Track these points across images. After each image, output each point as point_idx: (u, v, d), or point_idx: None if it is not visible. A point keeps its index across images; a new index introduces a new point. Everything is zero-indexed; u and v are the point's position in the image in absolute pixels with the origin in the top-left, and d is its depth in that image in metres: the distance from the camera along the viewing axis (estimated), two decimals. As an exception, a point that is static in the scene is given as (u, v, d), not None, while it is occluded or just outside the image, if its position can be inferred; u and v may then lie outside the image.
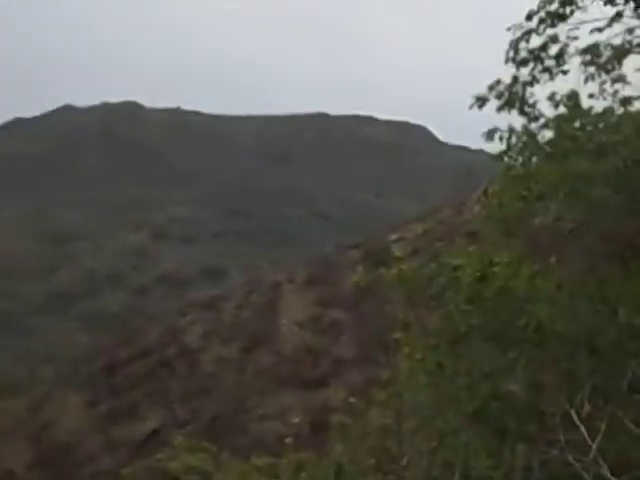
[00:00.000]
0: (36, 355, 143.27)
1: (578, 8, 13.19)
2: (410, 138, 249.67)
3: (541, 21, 12.88)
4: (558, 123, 12.90)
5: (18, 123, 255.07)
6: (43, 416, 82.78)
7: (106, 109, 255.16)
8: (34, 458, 74.05)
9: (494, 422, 12.34)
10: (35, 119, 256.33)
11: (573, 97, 13.00)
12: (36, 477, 70.05)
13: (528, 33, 12.90)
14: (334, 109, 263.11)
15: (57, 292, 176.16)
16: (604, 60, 13.45)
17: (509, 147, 12.92)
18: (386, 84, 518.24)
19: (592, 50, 13.22)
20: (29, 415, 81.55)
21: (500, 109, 12.98)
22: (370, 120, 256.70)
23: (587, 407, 11.71)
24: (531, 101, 13.25)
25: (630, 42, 13.37)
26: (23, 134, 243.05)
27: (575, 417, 11.61)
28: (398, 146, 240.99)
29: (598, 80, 13.46)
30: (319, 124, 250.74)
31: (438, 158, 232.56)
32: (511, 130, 12.80)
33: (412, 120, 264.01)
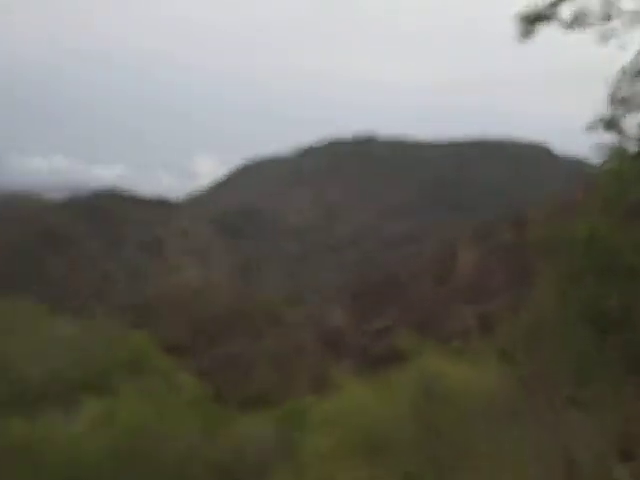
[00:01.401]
0: (309, 285, 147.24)
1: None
2: (534, 151, 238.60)
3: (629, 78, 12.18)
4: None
5: (307, 150, 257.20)
6: (318, 318, 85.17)
7: (353, 140, 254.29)
8: (316, 339, 75.38)
9: (598, 325, 11.85)
10: (319, 146, 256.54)
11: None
12: (318, 350, 70.77)
13: (620, 84, 12.21)
14: (489, 134, 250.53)
15: (328, 246, 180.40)
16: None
17: (611, 155, 12.38)
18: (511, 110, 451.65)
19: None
20: (307, 319, 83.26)
21: (606, 131, 12.31)
22: (508, 142, 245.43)
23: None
24: (624, 127, 12.52)
25: None
26: (312, 156, 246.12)
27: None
28: (527, 157, 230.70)
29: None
30: (480, 145, 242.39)
31: (555, 165, 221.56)
32: (612, 146, 12.28)
33: (535, 138, 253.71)
